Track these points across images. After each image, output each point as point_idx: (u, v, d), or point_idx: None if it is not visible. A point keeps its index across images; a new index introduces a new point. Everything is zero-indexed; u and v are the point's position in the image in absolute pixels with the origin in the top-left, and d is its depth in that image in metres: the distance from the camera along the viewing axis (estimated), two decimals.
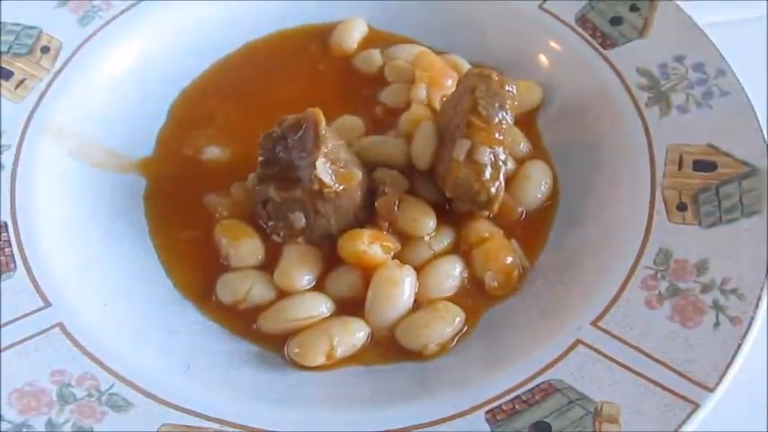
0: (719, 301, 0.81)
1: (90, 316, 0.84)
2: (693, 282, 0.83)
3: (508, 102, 0.91)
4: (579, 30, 1.06)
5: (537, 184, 0.96)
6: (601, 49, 1.04)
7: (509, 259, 0.90)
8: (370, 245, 0.86)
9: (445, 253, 0.91)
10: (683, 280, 0.84)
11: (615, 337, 0.81)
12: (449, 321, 0.86)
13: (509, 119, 0.91)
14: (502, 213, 0.93)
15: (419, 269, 0.89)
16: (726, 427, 0.81)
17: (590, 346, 0.80)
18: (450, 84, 1.02)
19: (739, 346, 0.78)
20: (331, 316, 0.87)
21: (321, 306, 0.86)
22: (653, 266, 0.85)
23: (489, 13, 1.11)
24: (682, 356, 0.78)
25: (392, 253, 0.88)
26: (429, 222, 0.91)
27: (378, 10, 1.14)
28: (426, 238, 0.91)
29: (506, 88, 0.92)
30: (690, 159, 0.92)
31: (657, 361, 0.78)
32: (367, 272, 0.87)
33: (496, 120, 0.90)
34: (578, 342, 0.81)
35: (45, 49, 1.02)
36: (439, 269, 0.89)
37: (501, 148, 0.90)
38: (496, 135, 0.89)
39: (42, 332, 0.81)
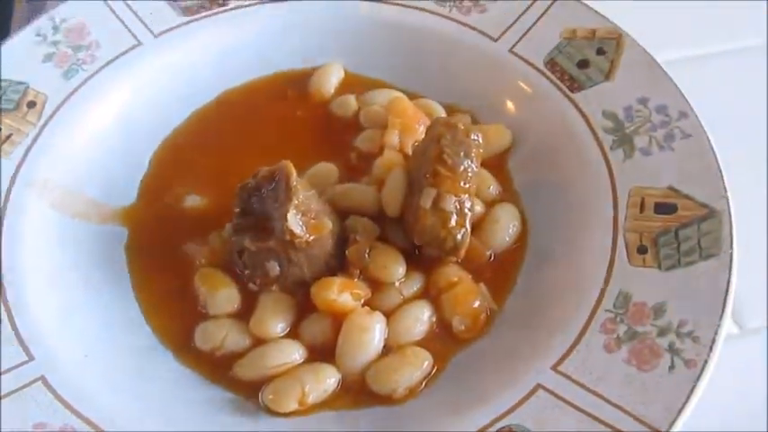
0: (675, 344, 0.84)
1: (71, 367, 0.87)
2: (651, 325, 0.86)
3: (473, 150, 0.95)
4: (547, 73, 1.09)
5: (505, 227, 0.99)
6: (568, 92, 1.07)
7: (477, 303, 0.93)
8: (341, 293, 0.90)
9: (415, 298, 0.94)
10: (641, 323, 0.86)
11: (574, 381, 0.83)
12: (417, 366, 0.89)
13: (474, 167, 0.94)
14: (470, 257, 0.96)
15: (389, 314, 0.92)
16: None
17: (550, 391, 0.83)
18: (422, 129, 1.05)
19: (693, 388, 0.80)
20: (303, 362, 0.90)
21: (294, 353, 0.90)
22: (612, 310, 0.88)
23: (462, 57, 1.14)
24: (638, 400, 0.81)
25: (362, 300, 0.91)
26: (399, 269, 0.94)
27: (355, 56, 1.17)
28: (396, 283, 0.94)
29: (472, 137, 0.95)
30: (651, 202, 0.95)
31: (614, 405, 0.81)
32: (338, 319, 0.90)
33: (461, 168, 0.93)
34: (539, 387, 0.84)
35: (31, 104, 1.06)
36: (408, 315, 0.92)
37: (466, 196, 0.93)
38: (462, 183, 0.93)
39: (25, 386, 0.84)
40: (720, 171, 0.95)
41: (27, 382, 0.85)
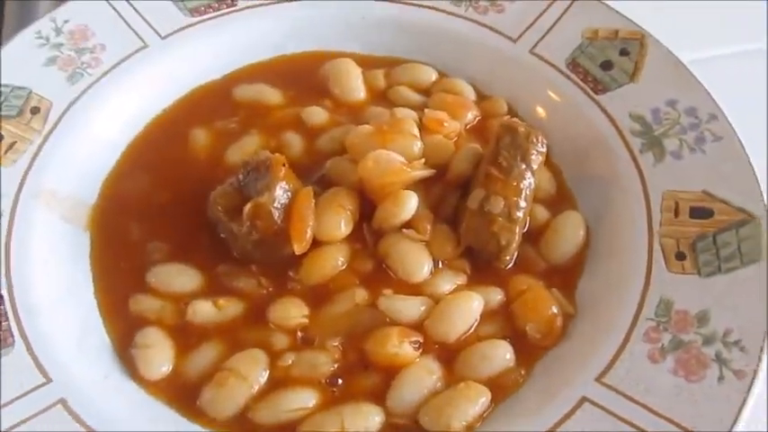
0: (722, 353, 0.82)
1: (91, 389, 0.82)
2: (695, 333, 0.84)
3: (533, 154, 0.92)
4: (571, 75, 1.06)
5: (567, 238, 0.95)
6: (593, 94, 1.04)
7: (550, 309, 0.89)
8: (401, 344, 0.85)
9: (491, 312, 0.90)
10: (685, 332, 0.84)
11: (621, 393, 0.81)
12: (473, 400, 0.83)
13: (530, 172, 0.91)
14: (524, 266, 0.93)
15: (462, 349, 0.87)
16: None
17: (596, 404, 0.81)
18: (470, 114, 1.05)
19: (744, 400, 0.78)
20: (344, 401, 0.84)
21: (311, 399, 0.83)
22: (654, 318, 0.85)
23: (483, 58, 1.11)
24: (688, 412, 0.78)
25: (419, 344, 0.86)
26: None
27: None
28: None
29: (532, 140, 0.92)
30: (686, 206, 0.93)
31: (664, 418, 0.78)
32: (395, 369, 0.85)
33: (515, 171, 0.90)
34: (584, 399, 0.81)
35: (35, 110, 1.00)
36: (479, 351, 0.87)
37: (518, 200, 0.90)
38: (514, 186, 0.90)
39: (44, 410, 0.79)
40: (755, 174, 0.93)
41: (46, 406, 0.80)
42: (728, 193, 0.92)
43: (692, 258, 0.89)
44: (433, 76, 1.11)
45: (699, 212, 0.92)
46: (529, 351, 0.88)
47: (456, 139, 1.00)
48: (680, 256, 0.89)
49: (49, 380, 0.82)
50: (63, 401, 0.80)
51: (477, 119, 1.06)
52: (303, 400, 0.83)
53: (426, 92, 1.10)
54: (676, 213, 0.93)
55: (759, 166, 1.05)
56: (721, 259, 0.88)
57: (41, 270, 0.90)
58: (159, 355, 0.86)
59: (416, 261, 0.90)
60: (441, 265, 0.92)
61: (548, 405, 0.82)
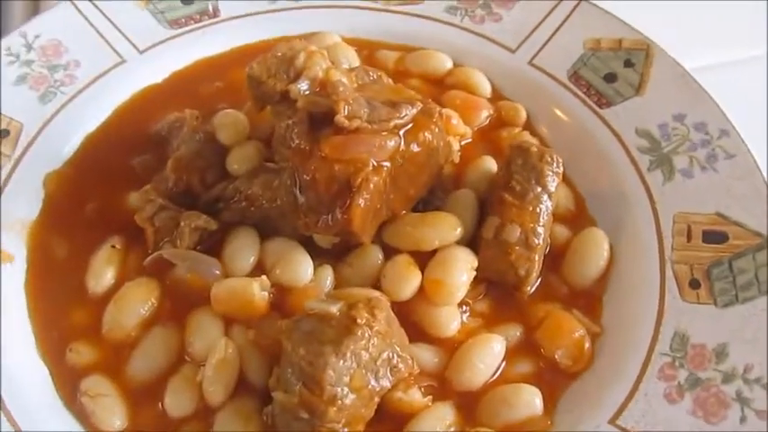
0: (743, 392, 0.77)
1: None
2: (713, 370, 0.79)
3: (548, 175, 0.86)
4: (573, 88, 1.01)
5: (588, 259, 0.89)
6: (597, 108, 0.99)
7: (576, 333, 0.84)
8: (407, 390, 0.79)
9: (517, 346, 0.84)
10: (703, 368, 0.79)
11: None
12: None
13: (547, 195, 0.86)
14: (545, 293, 0.88)
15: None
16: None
17: None
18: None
19: None
20: None
21: None
22: (669, 353, 0.81)
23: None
24: None
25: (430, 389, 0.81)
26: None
27: None
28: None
29: (546, 160, 0.87)
30: (699, 230, 0.88)
31: None
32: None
33: (531, 195, 0.85)
34: None
35: (5, 133, 0.94)
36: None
37: (535, 226, 0.84)
38: (530, 212, 0.84)
39: None
40: None
41: None
42: (743, 214, 0.87)
43: (707, 286, 0.84)
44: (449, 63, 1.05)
45: (712, 236, 0.87)
46: (553, 388, 0.82)
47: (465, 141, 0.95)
48: (694, 284, 0.85)
49: None
50: None
51: (491, 119, 1.00)
52: None
53: (440, 82, 1.04)
54: (689, 237, 0.88)
55: None
56: (738, 288, 0.83)
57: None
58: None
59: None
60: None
61: None
